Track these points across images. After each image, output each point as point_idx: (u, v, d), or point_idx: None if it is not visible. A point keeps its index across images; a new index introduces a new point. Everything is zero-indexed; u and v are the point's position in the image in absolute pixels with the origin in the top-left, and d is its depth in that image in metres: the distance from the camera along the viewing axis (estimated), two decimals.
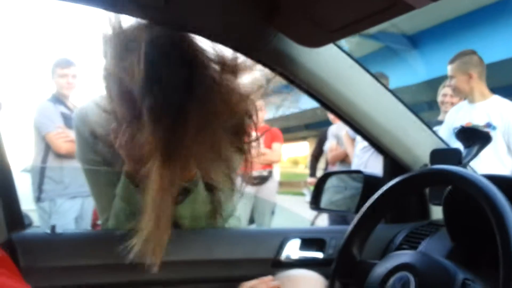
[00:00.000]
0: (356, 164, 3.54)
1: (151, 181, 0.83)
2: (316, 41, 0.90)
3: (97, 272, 0.94)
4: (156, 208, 0.85)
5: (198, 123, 0.84)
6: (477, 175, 0.71)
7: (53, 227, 0.96)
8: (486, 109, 2.76)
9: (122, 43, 0.85)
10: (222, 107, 0.88)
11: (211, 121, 0.87)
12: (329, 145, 4.32)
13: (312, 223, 5.38)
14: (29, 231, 0.98)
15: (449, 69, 2.82)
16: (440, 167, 0.78)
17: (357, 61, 1.04)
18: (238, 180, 1.10)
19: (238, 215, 1.31)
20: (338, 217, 3.63)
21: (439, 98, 3.41)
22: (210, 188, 1.05)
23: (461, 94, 2.86)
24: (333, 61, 1.01)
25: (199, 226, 1.07)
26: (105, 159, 1.05)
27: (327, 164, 4.74)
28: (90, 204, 3.04)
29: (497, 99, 2.80)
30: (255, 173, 4.24)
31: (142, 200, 0.89)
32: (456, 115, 2.92)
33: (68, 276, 0.92)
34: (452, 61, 2.81)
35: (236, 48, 0.91)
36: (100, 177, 1.06)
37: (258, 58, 0.96)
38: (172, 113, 0.82)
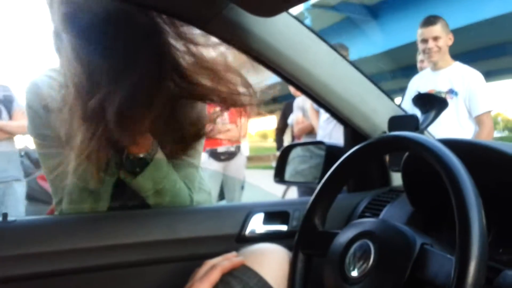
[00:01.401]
0: (320, 135, 3.56)
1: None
2: (269, 10, 0.86)
3: (54, 258, 0.90)
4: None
5: (156, 91, 0.83)
6: (431, 139, 0.71)
7: (4, 215, 0.92)
8: (448, 75, 2.81)
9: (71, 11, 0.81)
10: (183, 79, 0.87)
11: (171, 92, 0.85)
12: (295, 118, 4.33)
13: (283, 196, 5.43)
14: None
15: (431, 31, 2.81)
16: (395, 134, 0.78)
17: (313, 30, 1.02)
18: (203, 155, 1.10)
19: (208, 189, 1.30)
20: (308, 189, 3.67)
21: (418, 65, 3.43)
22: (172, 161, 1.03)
23: (445, 55, 2.87)
24: (288, 31, 0.98)
25: (165, 200, 1.05)
26: (58, 135, 1.01)
27: (293, 137, 4.76)
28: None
29: (458, 65, 2.86)
30: (222, 148, 4.27)
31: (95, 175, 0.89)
32: (419, 83, 2.96)
33: (23, 265, 0.88)
34: (433, 23, 2.81)
35: (186, 20, 0.88)
36: (54, 154, 1.02)
37: (210, 29, 0.93)
38: (127, 77, 0.80)
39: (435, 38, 2.80)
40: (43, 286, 0.91)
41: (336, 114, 1.15)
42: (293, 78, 1.04)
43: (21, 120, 3.13)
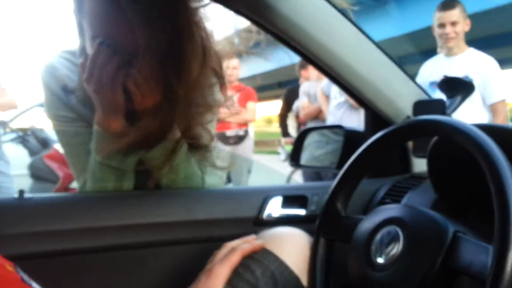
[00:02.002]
0: (330, 121, 3.54)
1: None
2: None
3: (71, 236, 0.89)
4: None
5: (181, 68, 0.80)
6: (467, 123, 0.68)
7: (21, 192, 0.91)
8: (463, 61, 2.75)
9: None
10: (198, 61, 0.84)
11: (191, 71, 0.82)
12: (301, 103, 4.31)
13: (288, 180, 5.44)
14: None
15: (450, 15, 2.73)
16: (427, 117, 0.75)
17: (339, 9, 0.98)
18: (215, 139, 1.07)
19: (220, 173, 1.29)
20: (313, 174, 3.65)
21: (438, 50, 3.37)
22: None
23: (461, 41, 2.80)
24: (314, 9, 0.95)
25: (179, 178, 1.03)
26: (79, 116, 0.99)
27: (299, 123, 4.75)
28: None
29: (473, 51, 2.79)
30: (231, 132, 4.26)
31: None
32: (432, 68, 2.90)
33: (42, 242, 0.87)
34: (452, 7, 2.72)
35: None
36: (75, 136, 1.00)
37: (234, 7, 0.90)
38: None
39: (453, 23, 2.72)
40: (59, 264, 0.91)
41: (357, 97, 1.12)
42: (316, 58, 1.01)
43: (2, 97, 2.99)
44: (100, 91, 0.85)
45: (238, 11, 0.93)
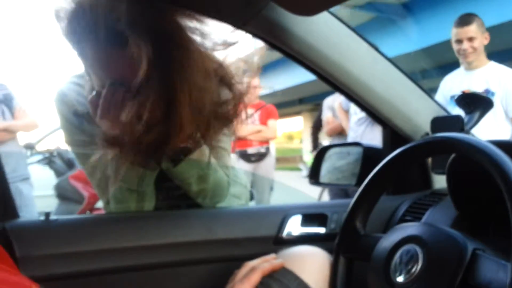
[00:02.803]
0: (351, 137, 3.52)
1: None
2: (310, 9, 0.85)
3: (95, 257, 0.92)
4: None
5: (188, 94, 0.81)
6: (483, 141, 0.68)
7: (47, 214, 0.94)
8: (484, 75, 2.72)
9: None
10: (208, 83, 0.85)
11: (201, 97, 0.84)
12: (325, 117, 4.29)
13: (319, 199, 5.40)
14: (22, 219, 0.95)
15: (466, 31, 2.71)
16: (444, 135, 0.75)
17: (353, 29, 1.00)
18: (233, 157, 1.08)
19: (244, 182, 1.29)
20: (340, 191, 3.62)
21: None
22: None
23: (480, 55, 2.76)
24: (328, 30, 0.97)
25: (208, 186, 1.05)
26: (93, 138, 1.02)
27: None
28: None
29: (494, 65, 2.77)
30: (253, 150, 4.27)
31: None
32: (452, 83, 2.88)
33: (67, 263, 0.90)
34: (469, 23, 2.70)
35: (224, 20, 0.87)
36: (92, 158, 1.03)
37: (249, 29, 0.92)
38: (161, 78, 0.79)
39: (470, 39, 2.70)
40: (83, 285, 0.93)
41: (374, 115, 1.12)
42: (332, 78, 1.02)
43: (23, 118, 3.08)
44: (116, 126, 0.86)
45: (254, 34, 0.95)
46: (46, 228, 0.92)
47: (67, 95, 1.03)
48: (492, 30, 2.85)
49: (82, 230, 0.95)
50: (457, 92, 2.75)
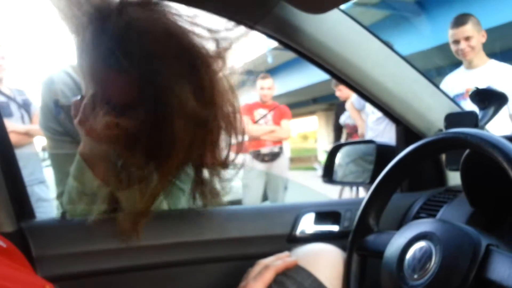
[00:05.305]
0: (370, 136, 3.49)
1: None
2: (320, 7, 0.85)
3: (113, 256, 0.93)
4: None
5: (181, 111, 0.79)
6: (496, 136, 0.68)
7: (63, 214, 0.95)
8: (485, 74, 2.72)
9: (95, 25, 0.79)
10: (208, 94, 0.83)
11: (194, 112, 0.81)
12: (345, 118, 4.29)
13: (339, 197, 5.39)
14: (38, 219, 0.96)
15: (462, 31, 2.72)
16: (457, 131, 0.74)
17: (364, 26, 0.99)
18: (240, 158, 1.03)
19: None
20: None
21: None
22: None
23: (479, 53, 2.77)
24: (340, 28, 0.97)
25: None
26: (66, 130, 1.04)
27: (347, 134, 4.73)
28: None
29: (494, 63, 2.77)
30: (266, 149, 4.28)
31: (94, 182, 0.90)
32: (454, 82, 2.87)
33: (83, 262, 0.91)
34: (464, 22, 2.71)
35: (235, 20, 0.88)
36: (60, 148, 1.05)
37: (260, 28, 0.93)
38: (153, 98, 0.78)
39: (467, 38, 2.71)
40: (98, 284, 0.94)
41: (388, 112, 1.12)
42: (344, 76, 1.02)
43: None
44: (90, 135, 0.87)
45: (266, 33, 0.95)
46: (62, 227, 0.94)
47: (54, 82, 1.06)
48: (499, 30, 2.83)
49: (98, 229, 0.95)
50: (460, 90, 2.76)
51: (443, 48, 3.11)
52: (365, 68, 1.01)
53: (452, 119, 1.02)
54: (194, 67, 0.81)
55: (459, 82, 2.81)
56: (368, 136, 3.55)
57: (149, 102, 0.79)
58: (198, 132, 0.83)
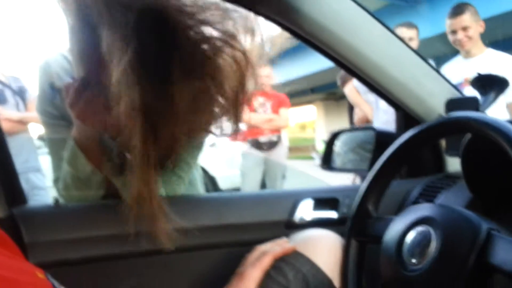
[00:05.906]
0: (382, 121, 3.26)
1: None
2: None
3: (106, 242, 0.92)
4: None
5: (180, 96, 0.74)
6: (499, 119, 0.67)
7: (56, 200, 0.94)
8: (483, 62, 2.72)
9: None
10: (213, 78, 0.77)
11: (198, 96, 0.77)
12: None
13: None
14: (30, 205, 0.95)
15: (460, 21, 2.72)
16: (458, 114, 0.73)
17: (366, 9, 0.98)
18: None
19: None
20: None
21: None
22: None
23: (477, 42, 2.78)
24: (340, 10, 0.95)
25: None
26: (62, 114, 1.02)
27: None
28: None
29: (492, 52, 2.76)
30: (264, 138, 4.27)
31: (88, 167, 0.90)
32: (452, 72, 2.86)
33: (76, 249, 0.90)
34: (461, 12, 2.71)
35: (235, 1, 0.86)
36: (56, 133, 1.04)
37: (259, 10, 0.91)
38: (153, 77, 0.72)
39: (465, 28, 2.71)
40: (91, 270, 0.93)
41: (387, 97, 1.10)
42: (344, 59, 1.01)
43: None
44: (80, 119, 0.86)
45: (265, 15, 0.93)
46: (55, 213, 0.92)
47: (50, 66, 1.05)
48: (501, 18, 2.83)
49: (91, 215, 0.94)
50: (458, 79, 2.75)
51: (444, 37, 3.09)
52: (366, 52, 0.99)
53: (453, 104, 1.01)
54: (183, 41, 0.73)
55: (457, 71, 2.81)
56: (378, 120, 3.37)
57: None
58: (193, 108, 0.78)
